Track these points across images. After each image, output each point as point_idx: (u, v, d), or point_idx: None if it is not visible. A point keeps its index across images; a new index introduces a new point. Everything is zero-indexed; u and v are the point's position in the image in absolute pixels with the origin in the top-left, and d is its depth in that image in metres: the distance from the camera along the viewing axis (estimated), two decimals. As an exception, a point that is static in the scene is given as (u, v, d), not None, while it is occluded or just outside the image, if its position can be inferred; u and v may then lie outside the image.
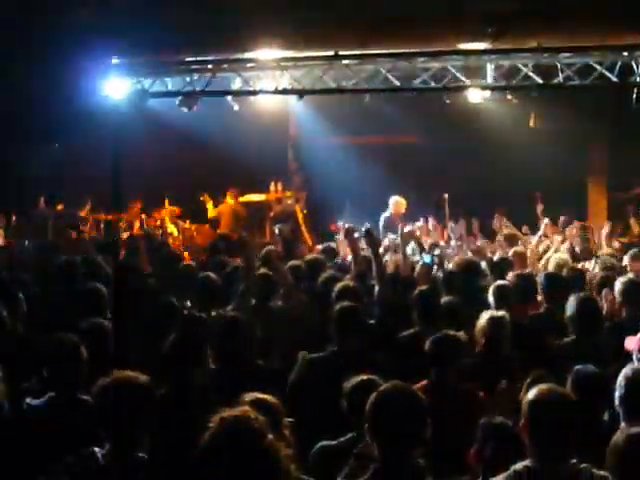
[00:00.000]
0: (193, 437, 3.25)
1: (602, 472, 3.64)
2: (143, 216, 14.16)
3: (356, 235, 8.33)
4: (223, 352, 5.29)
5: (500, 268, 8.20)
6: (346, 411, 4.33)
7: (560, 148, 15.03)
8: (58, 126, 12.96)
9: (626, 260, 8.73)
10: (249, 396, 3.90)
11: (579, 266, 8.64)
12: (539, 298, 7.24)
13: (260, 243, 10.57)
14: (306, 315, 6.79)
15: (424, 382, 5.01)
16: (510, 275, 7.42)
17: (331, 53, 11.33)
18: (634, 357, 5.41)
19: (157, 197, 14.85)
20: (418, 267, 8.25)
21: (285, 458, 3.21)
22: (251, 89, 12.67)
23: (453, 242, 10.68)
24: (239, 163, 15.68)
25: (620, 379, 4.35)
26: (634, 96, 10.62)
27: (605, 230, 10.54)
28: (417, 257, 9.63)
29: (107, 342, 5.41)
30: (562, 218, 12.24)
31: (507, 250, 9.68)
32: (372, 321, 6.59)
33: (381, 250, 8.66)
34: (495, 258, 8.97)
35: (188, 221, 15.00)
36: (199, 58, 12.08)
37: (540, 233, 10.66)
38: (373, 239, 6.97)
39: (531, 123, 12.31)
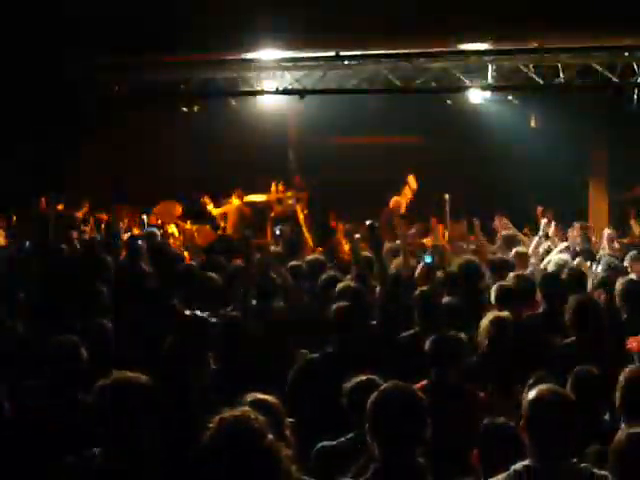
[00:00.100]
0: (193, 437, 3.25)
1: (602, 472, 3.65)
2: (144, 216, 14.14)
3: (356, 236, 8.33)
4: (224, 352, 5.29)
5: (501, 269, 8.19)
6: (346, 411, 4.32)
7: (561, 148, 15.02)
8: (58, 126, 12.98)
9: (627, 261, 8.72)
10: (250, 396, 3.90)
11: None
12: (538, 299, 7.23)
13: (261, 243, 10.55)
14: (306, 315, 6.78)
15: (424, 382, 5.01)
16: (510, 276, 7.42)
17: (332, 54, 11.34)
18: (635, 357, 5.41)
19: (157, 197, 14.85)
20: (419, 268, 8.24)
21: (286, 458, 3.21)
22: (252, 89, 12.69)
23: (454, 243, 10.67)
24: (240, 163, 15.68)
25: (620, 379, 4.35)
26: (635, 97, 10.63)
27: (607, 231, 10.53)
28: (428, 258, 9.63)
29: (108, 342, 5.40)
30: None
31: (506, 251, 9.67)
32: (373, 322, 6.59)
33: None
34: (496, 259, 8.95)
35: (189, 221, 14.99)
36: (201, 58, 12.10)
37: (540, 234, 10.65)
38: (376, 236, 6.94)
39: (532, 123, 12.31)
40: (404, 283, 7.26)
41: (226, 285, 7.16)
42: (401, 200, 14.44)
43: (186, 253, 11.21)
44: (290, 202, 15.46)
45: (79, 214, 12.89)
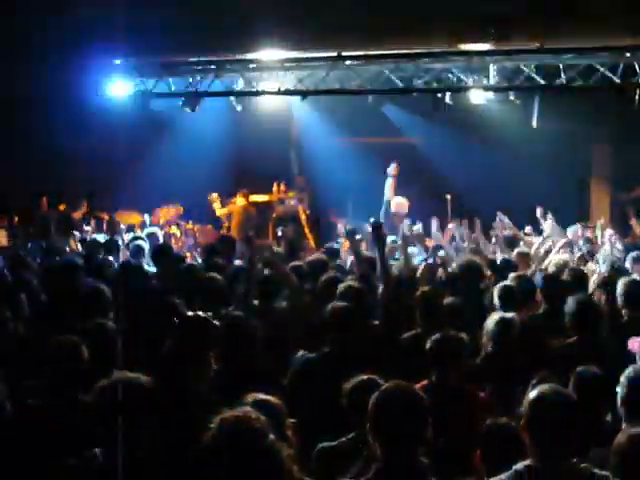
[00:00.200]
0: (193, 437, 3.24)
1: (603, 472, 3.64)
2: (145, 216, 14.14)
3: (358, 237, 8.32)
4: (225, 353, 5.29)
5: (502, 269, 8.20)
6: (346, 411, 4.32)
7: (563, 148, 15.03)
8: (61, 126, 12.98)
9: (628, 263, 8.71)
10: (251, 397, 3.90)
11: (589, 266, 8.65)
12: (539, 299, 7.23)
13: (262, 244, 10.55)
14: (308, 316, 6.77)
15: (424, 382, 5.00)
16: (510, 276, 7.41)
17: (334, 54, 11.34)
18: (637, 358, 5.40)
19: (158, 198, 14.85)
20: (421, 268, 8.25)
21: (287, 458, 3.21)
22: (254, 90, 12.69)
23: (455, 243, 10.67)
24: (242, 164, 15.68)
25: (622, 380, 4.35)
26: (636, 97, 10.62)
27: (609, 231, 10.53)
28: (419, 258, 9.63)
29: (109, 343, 5.40)
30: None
31: (508, 252, 9.67)
32: (376, 322, 6.59)
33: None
34: (498, 260, 8.96)
35: (190, 221, 14.99)
36: (202, 59, 12.10)
37: (544, 235, 10.65)
38: (380, 234, 6.92)
39: (533, 124, 12.30)
40: (406, 283, 7.25)
41: (227, 285, 7.16)
42: (404, 202, 14.45)
43: (188, 254, 11.22)
44: (292, 203, 15.48)
45: (77, 214, 12.87)
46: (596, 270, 8.73)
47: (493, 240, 10.97)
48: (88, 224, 12.46)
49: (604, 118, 14.45)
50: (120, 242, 10.16)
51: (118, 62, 12.06)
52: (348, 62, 11.81)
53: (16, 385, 4.79)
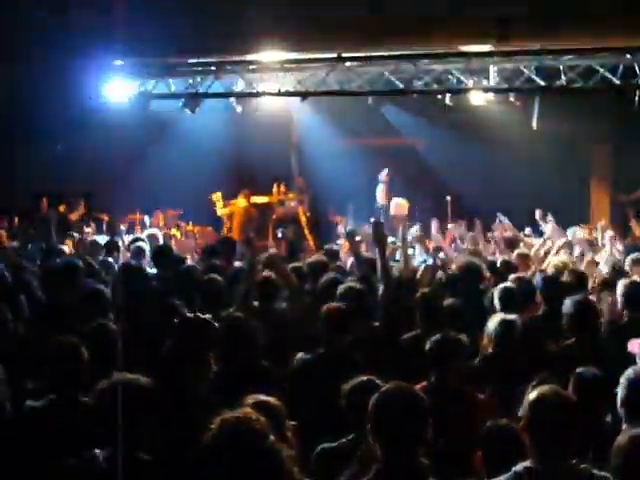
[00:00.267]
0: (193, 437, 3.24)
1: (602, 472, 3.65)
2: (145, 218, 14.16)
3: (357, 238, 8.32)
4: (225, 353, 5.29)
5: (502, 270, 8.20)
6: (345, 412, 4.32)
7: (563, 150, 15.04)
8: (60, 127, 12.98)
9: (627, 264, 8.71)
10: (251, 398, 3.90)
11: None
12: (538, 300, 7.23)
13: (262, 245, 10.55)
14: (308, 317, 6.78)
15: (424, 383, 5.01)
16: (511, 278, 7.42)
17: (334, 55, 11.34)
18: (638, 359, 5.40)
19: (158, 198, 14.86)
20: (421, 269, 8.25)
21: (287, 459, 3.21)
22: (254, 91, 12.69)
23: (454, 244, 10.68)
24: (242, 165, 15.69)
25: (622, 381, 4.35)
26: (636, 98, 10.63)
27: (609, 233, 10.53)
28: (419, 259, 9.64)
29: (109, 344, 5.40)
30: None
31: (508, 253, 9.67)
32: (376, 323, 6.59)
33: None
34: (499, 261, 8.96)
35: (190, 222, 15.01)
36: (202, 60, 12.10)
37: (545, 237, 10.65)
38: (381, 233, 6.92)
39: (533, 125, 12.31)
40: (406, 285, 7.26)
41: (228, 286, 7.16)
42: (404, 203, 14.47)
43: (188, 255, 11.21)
44: (292, 204, 15.48)
45: (75, 215, 12.86)
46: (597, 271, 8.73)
47: (493, 241, 10.98)
48: (87, 225, 12.45)
49: (604, 119, 14.47)
50: (120, 243, 10.17)
51: (118, 63, 12.05)
52: (348, 63, 11.82)
53: (16, 386, 4.79)
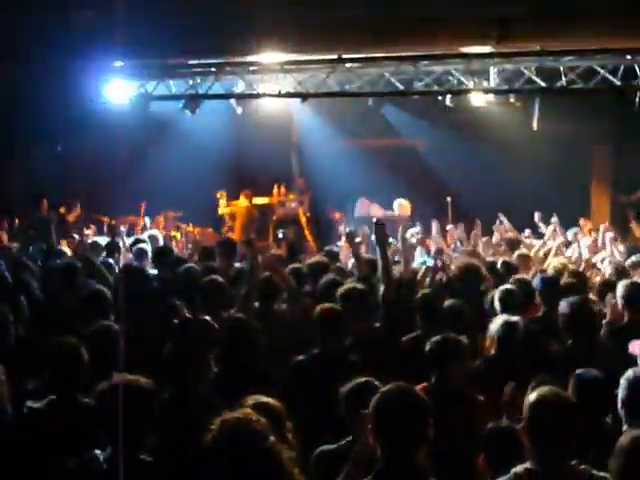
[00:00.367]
0: (193, 437, 3.25)
1: (602, 473, 3.65)
2: (146, 219, 14.16)
3: (357, 240, 8.32)
4: (225, 354, 5.30)
5: (502, 272, 8.20)
6: (345, 414, 4.33)
7: (563, 151, 15.04)
8: (61, 128, 12.97)
9: (627, 267, 8.71)
10: (251, 399, 3.91)
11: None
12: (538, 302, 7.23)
13: (263, 246, 10.55)
14: (308, 318, 6.78)
15: (424, 384, 5.01)
16: (511, 280, 7.42)
17: (334, 56, 11.33)
18: (639, 360, 5.40)
19: (159, 200, 14.86)
20: (421, 270, 8.25)
21: (287, 460, 3.21)
22: (254, 92, 12.68)
23: (454, 245, 10.69)
24: (242, 166, 15.69)
25: (622, 382, 4.35)
26: (637, 99, 10.63)
27: (609, 234, 10.53)
28: (419, 260, 9.63)
29: (110, 344, 5.40)
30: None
31: (509, 254, 9.68)
32: (377, 324, 6.59)
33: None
34: (499, 262, 8.97)
35: (191, 224, 15.01)
36: (202, 61, 12.09)
37: (545, 239, 10.65)
38: (383, 234, 6.93)
39: (534, 126, 12.31)
40: (406, 286, 7.26)
41: (229, 287, 7.16)
42: (406, 204, 14.48)
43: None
44: (292, 205, 15.48)
45: (72, 217, 12.85)
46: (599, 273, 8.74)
47: (493, 242, 10.98)
48: (85, 226, 12.43)
49: (604, 120, 14.46)
50: (121, 244, 10.17)
51: (118, 64, 12.04)
52: (348, 64, 11.81)
53: (17, 386, 4.79)
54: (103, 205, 14.38)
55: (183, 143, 15.26)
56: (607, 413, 4.63)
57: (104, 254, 9.28)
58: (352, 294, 6.45)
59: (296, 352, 5.87)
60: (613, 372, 4.66)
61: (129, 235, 12.03)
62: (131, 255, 9.58)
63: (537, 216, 12.22)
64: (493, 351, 5.88)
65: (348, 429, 4.29)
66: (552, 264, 8.65)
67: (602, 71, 10.71)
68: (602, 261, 9.59)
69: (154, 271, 8.54)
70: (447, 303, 6.62)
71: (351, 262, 9.02)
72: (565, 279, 7.61)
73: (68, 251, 9.79)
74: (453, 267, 8.09)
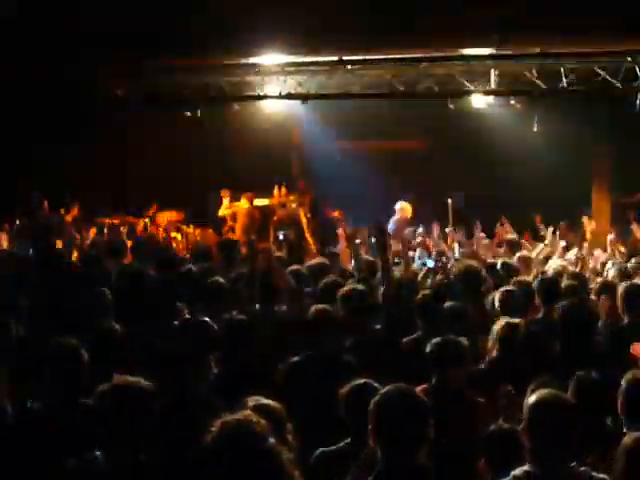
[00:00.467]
0: (193, 438, 3.25)
1: (602, 475, 3.66)
2: (147, 220, 14.17)
3: (357, 241, 8.34)
4: (225, 355, 5.30)
5: (502, 273, 8.20)
6: (344, 415, 4.33)
7: (563, 152, 15.04)
8: (61, 128, 13.00)
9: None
10: (252, 401, 3.91)
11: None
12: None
13: (264, 247, 10.54)
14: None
15: (424, 385, 5.01)
16: (512, 281, 7.42)
17: (335, 58, 11.34)
18: (640, 362, 5.40)
19: (159, 201, 14.88)
20: (422, 272, 8.26)
21: (287, 462, 3.22)
22: (255, 94, 12.71)
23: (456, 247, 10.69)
24: (243, 167, 15.69)
25: (622, 385, 4.35)
26: (637, 101, 10.65)
27: (610, 236, 10.54)
28: (418, 262, 9.64)
29: (110, 346, 5.41)
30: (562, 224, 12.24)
31: (510, 256, 9.68)
32: (377, 326, 6.60)
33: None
34: (499, 263, 8.97)
35: (191, 225, 15.01)
36: (203, 63, 12.11)
37: (546, 242, 10.65)
38: (383, 232, 6.93)
39: (534, 128, 12.33)
40: (406, 287, 7.26)
41: (230, 288, 7.16)
42: (407, 206, 14.45)
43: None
44: (293, 206, 15.47)
45: (69, 217, 12.84)
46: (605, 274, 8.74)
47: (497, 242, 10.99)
48: (84, 227, 12.41)
49: (605, 122, 14.47)
50: (122, 246, 10.16)
51: (120, 65, 12.06)
52: (349, 66, 11.82)
53: (17, 387, 4.79)
54: (103, 206, 14.37)
55: (183, 144, 15.26)
56: (607, 415, 4.63)
57: (104, 255, 9.28)
58: (352, 295, 6.45)
59: (297, 353, 5.87)
60: (613, 374, 4.66)
61: (129, 236, 12.02)
62: (132, 256, 9.58)
63: (537, 218, 12.23)
64: (495, 353, 5.88)
65: (347, 430, 4.30)
66: (552, 266, 8.66)
67: (602, 73, 10.72)
68: (604, 264, 9.59)
69: (154, 272, 8.54)
70: (447, 304, 6.63)
71: (351, 264, 9.03)
72: (565, 281, 7.61)
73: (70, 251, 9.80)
74: (453, 269, 8.09)
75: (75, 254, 9.92)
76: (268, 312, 6.76)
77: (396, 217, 13.27)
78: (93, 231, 12.40)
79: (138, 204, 14.81)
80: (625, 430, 4.20)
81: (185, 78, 12.91)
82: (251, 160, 15.59)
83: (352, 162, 15.94)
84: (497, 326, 5.90)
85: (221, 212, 15.18)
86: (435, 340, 5.28)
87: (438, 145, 15.94)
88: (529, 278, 7.99)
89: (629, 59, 10.62)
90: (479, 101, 12.99)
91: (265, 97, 12.93)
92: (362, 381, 4.35)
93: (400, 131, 16.06)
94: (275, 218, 15.31)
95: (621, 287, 6.78)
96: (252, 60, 11.85)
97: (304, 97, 12.20)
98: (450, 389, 5.06)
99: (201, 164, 15.26)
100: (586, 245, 10.65)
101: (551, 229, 11.30)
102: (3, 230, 11.70)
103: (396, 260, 9.17)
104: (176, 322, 6.34)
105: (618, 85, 10.74)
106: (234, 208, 15.15)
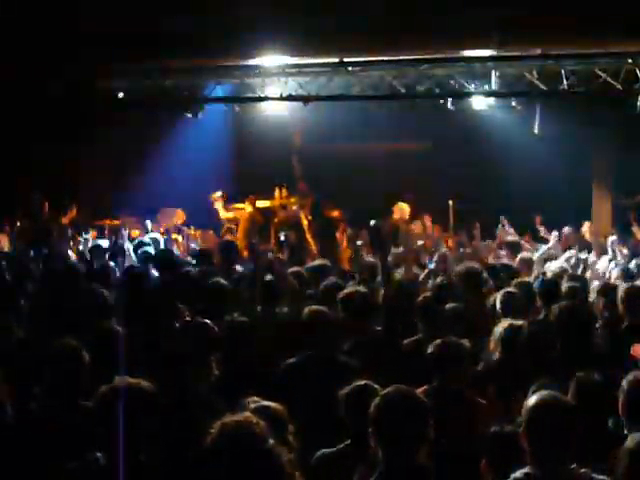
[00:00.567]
0: (193, 438, 3.25)
1: (602, 477, 3.65)
2: (147, 222, 14.15)
3: (358, 243, 8.35)
4: (225, 355, 5.31)
5: (502, 275, 8.21)
6: (344, 416, 4.33)
7: (564, 154, 15.03)
8: (62, 129, 13.00)
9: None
10: (253, 402, 3.91)
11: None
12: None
13: (265, 249, 10.55)
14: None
15: (425, 387, 5.01)
16: (512, 283, 7.42)
17: (336, 60, 11.34)
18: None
19: (159, 203, 14.86)
20: (423, 273, 8.27)
21: (288, 463, 3.22)
22: (256, 95, 12.71)
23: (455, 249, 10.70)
24: (243, 169, 15.69)
25: (623, 386, 4.35)
26: (638, 102, 10.65)
27: (611, 238, 10.54)
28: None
29: (111, 347, 5.41)
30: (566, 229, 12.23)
31: (510, 258, 9.69)
32: (378, 327, 6.60)
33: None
34: (498, 265, 8.97)
35: (192, 227, 14.99)
36: (204, 64, 12.11)
37: (549, 245, 10.65)
38: (381, 237, 6.95)
39: (535, 130, 12.33)
40: (407, 289, 7.27)
41: (232, 290, 7.16)
42: (405, 207, 14.45)
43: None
44: (294, 208, 15.47)
45: (66, 219, 12.84)
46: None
47: (494, 245, 10.99)
48: (83, 229, 12.40)
49: (606, 123, 14.46)
50: (123, 247, 10.18)
51: (120, 66, 12.06)
52: (350, 68, 11.82)
53: (17, 388, 4.79)
54: (103, 207, 14.37)
55: (184, 145, 15.26)
56: (608, 416, 4.62)
57: (107, 256, 9.30)
58: (353, 297, 6.44)
59: (297, 354, 5.87)
60: (614, 375, 4.66)
61: (130, 238, 12.02)
62: (134, 258, 9.59)
63: (538, 220, 12.23)
64: (497, 354, 5.88)
65: (347, 431, 4.30)
66: (551, 267, 8.67)
67: (603, 75, 10.72)
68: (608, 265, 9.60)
69: (156, 274, 8.54)
70: (448, 306, 6.63)
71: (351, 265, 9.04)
72: (565, 282, 7.61)
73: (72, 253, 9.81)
74: (454, 270, 8.10)
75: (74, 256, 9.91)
76: (269, 313, 6.76)
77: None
78: (94, 234, 12.41)
79: (138, 205, 14.79)
80: (626, 431, 4.20)
81: (186, 80, 12.91)
82: (252, 162, 15.59)
83: (353, 164, 15.94)
84: (499, 328, 5.90)
85: (222, 215, 15.17)
86: (436, 342, 5.28)
87: (438, 147, 15.93)
88: (530, 279, 8.00)
89: (630, 61, 10.62)
90: (479, 102, 12.99)
91: (266, 99, 12.92)
92: (362, 382, 4.35)
93: (401, 133, 16.04)
94: (276, 220, 15.31)
95: (622, 289, 6.78)
96: (253, 62, 11.85)
97: (305, 99, 12.19)
98: (450, 390, 5.06)
99: (201, 165, 15.25)
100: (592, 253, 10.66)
101: (555, 233, 11.31)
102: (4, 231, 11.70)
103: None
104: (177, 324, 6.34)
105: (619, 87, 10.74)
106: (235, 213, 15.14)
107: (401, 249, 9.53)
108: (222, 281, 7.07)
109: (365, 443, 3.87)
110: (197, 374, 4.84)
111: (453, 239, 11.62)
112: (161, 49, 10.34)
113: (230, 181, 15.55)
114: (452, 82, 12.09)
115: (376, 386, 4.21)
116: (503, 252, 10.59)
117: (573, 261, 9.67)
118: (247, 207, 14.98)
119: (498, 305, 6.73)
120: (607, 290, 7.30)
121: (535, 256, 9.84)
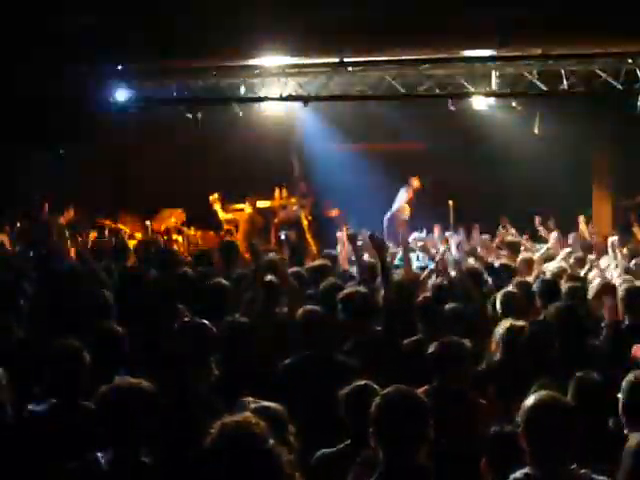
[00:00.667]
0: (193, 438, 3.25)
1: (602, 477, 3.65)
2: (148, 222, 14.16)
3: (359, 243, 8.32)
4: (225, 355, 5.31)
5: (502, 275, 8.21)
6: (344, 417, 4.33)
7: (564, 154, 15.05)
8: (62, 130, 12.99)
9: None
10: (253, 403, 3.91)
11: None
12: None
13: (265, 249, 10.54)
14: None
15: (425, 387, 5.01)
16: (512, 283, 7.42)
17: (336, 60, 11.34)
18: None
19: (159, 204, 14.88)
20: (423, 274, 8.26)
21: (287, 463, 3.22)
22: (256, 96, 12.71)
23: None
24: (243, 169, 15.69)
25: (623, 386, 4.35)
26: (638, 103, 10.65)
27: (612, 238, 10.53)
28: (416, 264, 9.64)
29: (111, 347, 5.41)
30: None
31: (510, 257, 9.68)
32: (378, 327, 6.59)
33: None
34: (498, 265, 8.96)
35: (193, 228, 15.01)
36: (204, 65, 12.12)
37: (549, 245, 10.64)
38: (378, 242, 6.97)
39: (535, 130, 12.34)
40: (407, 289, 7.26)
41: (232, 290, 7.16)
42: (406, 206, 14.47)
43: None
44: (294, 208, 15.48)
45: (64, 220, 12.83)
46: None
47: (494, 245, 10.99)
48: (80, 229, 12.39)
49: (606, 124, 14.48)
50: (123, 247, 10.16)
51: (120, 67, 12.07)
52: (350, 68, 11.83)
53: (18, 389, 4.79)
54: (103, 208, 14.38)
55: (184, 146, 15.27)
56: (608, 416, 4.62)
57: (107, 257, 9.28)
58: (353, 297, 6.44)
59: (297, 354, 5.88)
60: (614, 375, 4.66)
61: (130, 238, 12.02)
62: (134, 258, 9.58)
63: (537, 220, 12.22)
64: (498, 354, 5.88)
65: (347, 431, 4.30)
66: (550, 267, 8.66)
67: (603, 75, 10.73)
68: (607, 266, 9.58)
69: (156, 274, 8.54)
70: (448, 306, 6.63)
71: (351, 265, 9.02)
72: (564, 282, 7.61)
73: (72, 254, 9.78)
74: (455, 271, 8.09)
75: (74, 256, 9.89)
76: (269, 313, 6.76)
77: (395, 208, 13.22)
78: (94, 234, 12.40)
79: (138, 205, 14.81)
80: (626, 431, 4.20)
81: (185, 79, 12.92)
82: (252, 162, 15.59)
83: (353, 164, 15.95)
84: (501, 328, 5.90)
85: (221, 216, 15.18)
86: (437, 342, 5.28)
87: (439, 147, 15.94)
88: (530, 279, 8.00)
89: (630, 61, 10.63)
90: (480, 103, 12.99)
91: (266, 99, 12.93)
92: (362, 382, 4.36)
93: (401, 133, 16.06)
94: (276, 220, 15.32)
95: (622, 288, 6.79)
96: (253, 62, 11.85)
97: (305, 99, 12.19)
98: (451, 390, 5.07)
99: (201, 166, 15.26)
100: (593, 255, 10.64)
101: (555, 233, 11.30)
102: (4, 232, 11.69)
103: (395, 262, 9.17)
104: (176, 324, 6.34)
105: (619, 87, 10.75)
106: (235, 213, 15.14)
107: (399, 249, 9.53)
108: (222, 281, 7.07)
109: (365, 443, 3.87)
110: (197, 374, 4.85)
111: (456, 240, 11.60)
112: (161, 49, 10.34)
113: (230, 181, 15.54)
114: (452, 82, 12.10)
115: (376, 386, 4.21)
116: (503, 252, 10.59)
117: (572, 260, 9.66)
118: (247, 208, 14.99)
119: (498, 305, 6.73)
120: (608, 290, 7.29)
121: (536, 256, 9.83)
